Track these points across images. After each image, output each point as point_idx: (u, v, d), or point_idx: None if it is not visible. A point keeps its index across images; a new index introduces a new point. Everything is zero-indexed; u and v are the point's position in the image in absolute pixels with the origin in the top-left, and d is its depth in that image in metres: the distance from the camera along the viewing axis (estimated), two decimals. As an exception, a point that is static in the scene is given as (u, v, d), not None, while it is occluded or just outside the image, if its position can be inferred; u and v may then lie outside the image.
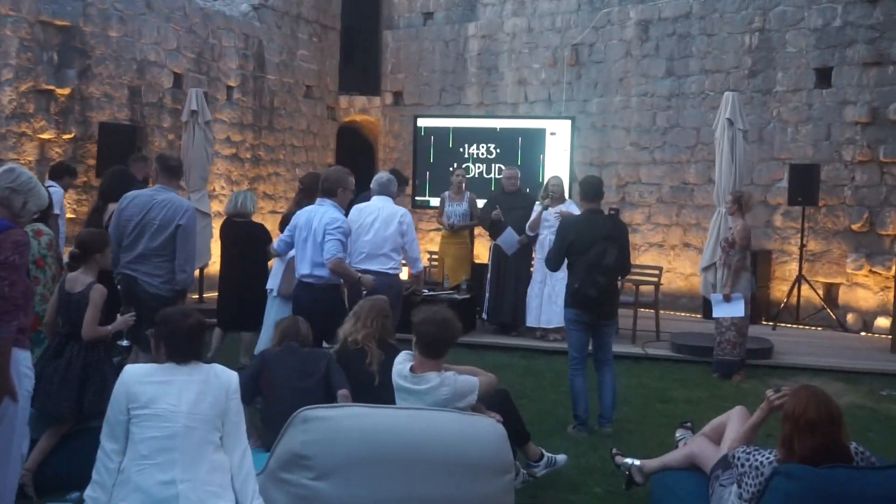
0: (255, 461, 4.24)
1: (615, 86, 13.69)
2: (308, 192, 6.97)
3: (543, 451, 5.20)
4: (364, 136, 16.80)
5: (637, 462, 4.91)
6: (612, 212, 6.76)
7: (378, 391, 4.86)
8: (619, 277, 6.93)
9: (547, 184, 9.63)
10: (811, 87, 11.77)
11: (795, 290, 11.43)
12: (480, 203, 10.52)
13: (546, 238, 9.36)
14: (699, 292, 11.34)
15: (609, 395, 6.58)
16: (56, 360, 5.01)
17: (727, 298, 8.28)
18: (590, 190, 6.69)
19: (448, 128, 11.84)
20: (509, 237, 9.68)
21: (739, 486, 3.76)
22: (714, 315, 8.51)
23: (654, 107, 13.26)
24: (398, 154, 15.59)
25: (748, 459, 3.75)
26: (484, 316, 10.12)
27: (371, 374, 5.00)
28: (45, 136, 10.20)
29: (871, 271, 11.15)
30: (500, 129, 11.66)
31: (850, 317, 11.27)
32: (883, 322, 10.94)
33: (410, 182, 12.30)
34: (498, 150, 11.40)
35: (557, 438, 6.18)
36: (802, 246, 11.38)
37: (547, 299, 9.42)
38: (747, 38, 12.34)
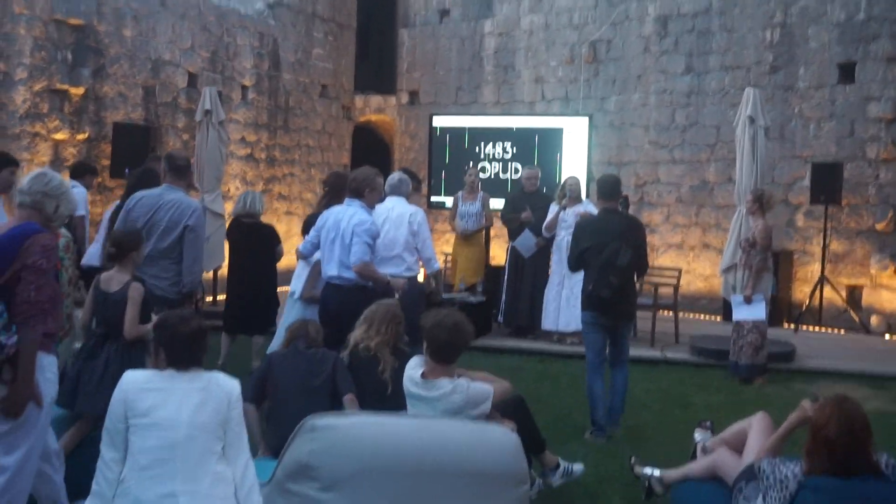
0: (263, 470, 4.15)
1: (633, 83, 13.51)
2: (334, 193, 6.83)
3: (560, 459, 5.05)
4: (380, 135, 16.69)
5: (657, 472, 4.76)
6: (621, 202, 6.62)
7: (391, 399, 4.73)
8: (637, 277, 6.78)
9: (564, 184, 9.48)
10: (834, 83, 11.54)
11: (818, 292, 11.22)
12: (494, 202, 10.40)
13: (563, 239, 9.19)
14: (719, 294, 11.14)
15: (619, 397, 6.45)
16: (92, 360, 4.96)
17: (748, 300, 8.11)
18: (606, 188, 6.55)
19: (464, 127, 11.70)
20: (526, 240, 9.54)
21: (764, 500, 3.60)
22: (735, 317, 8.34)
23: (674, 104, 13.07)
24: (414, 154, 15.48)
25: (773, 472, 3.60)
26: (500, 319, 9.97)
27: (384, 382, 4.87)
28: (58, 136, 10.15)
29: (895, 272, 10.92)
30: (517, 128, 11.50)
31: (873, 319, 11.04)
32: (908, 324, 10.73)
33: (426, 182, 12.19)
34: (514, 150, 11.24)
35: (574, 445, 6.04)
36: (825, 246, 11.16)
37: (565, 302, 9.26)
38: (768, 33, 12.13)
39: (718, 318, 11.63)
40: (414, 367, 4.39)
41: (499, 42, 15.08)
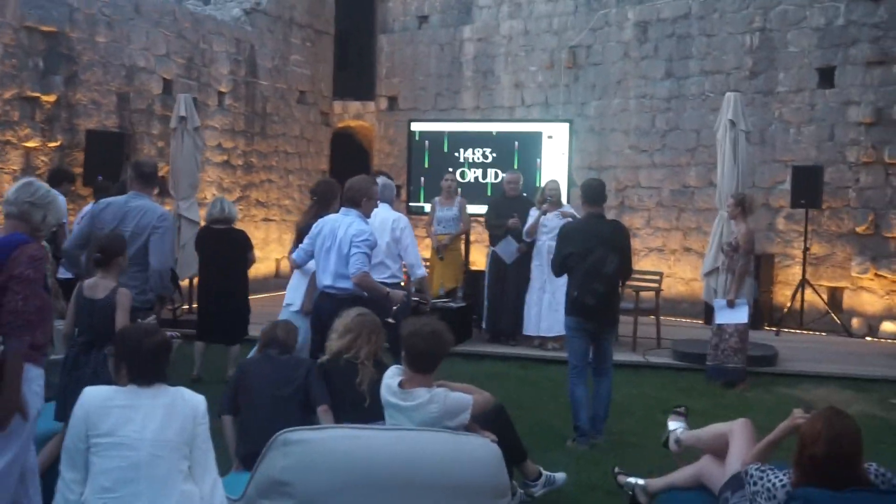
0: (236, 484, 4.02)
1: (613, 88, 13.47)
2: (323, 201, 6.70)
3: (541, 469, 4.95)
4: (359, 141, 16.57)
5: (641, 481, 4.66)
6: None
7: (369, 410, 4.60)
8: (621, 283, 6.71)
9: (544, 188, 9.40)
10: (814, 88, 11.54)
11: (799, 295, 11.19)
12: (471, 208, 10.32)
13: (544, 244, 9.12)
14: (700, 297, 11.10)
15: (602, 406, 6.36)
16: (77, 371, 4.83)
17: (731, 304, 8.05)
18: (591, 193, 6.45)
19: (443, 132, 11.59)
20: (508, 245, 9.44)
21: (751, 508, 3.51)
22: (717, 321, 8.27)
23: (654, 109, 13.03)
24: (394, 160, 15.36)
25: (761, 478, 3.50)
26: (483, 325, 9.86)
27: (362, 394, 4.74)
28: (30, 144, 9.97)
29: (876, 275, 10.91)
30: (497, 132, 11.41)
31: (855, 321, 11.02)
32: (889, 326, 10.71)
33: (405, 188, 12.11)
34: (494, 155, 11.15)
35: (556, 453, 5.93)
36: (806, 249, 11.14)
37: (547, 307, 9.18)
38: (748, 38, 12.12)
39: (700, 322, 11.58)
40: (392, 377, 4.28)
41: (478, 48, 15.00)
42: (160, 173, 11.45)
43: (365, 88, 16.12)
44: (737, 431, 4.35)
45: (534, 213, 9.31)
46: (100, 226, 5.78)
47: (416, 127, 11.74)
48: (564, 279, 6.64)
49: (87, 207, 7.69)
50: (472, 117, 14.46)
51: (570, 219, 8.74)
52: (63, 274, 7.43)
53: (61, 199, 8.31)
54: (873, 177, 10.99)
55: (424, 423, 4.02)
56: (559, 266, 6.47)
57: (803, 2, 11.62)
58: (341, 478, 3.48)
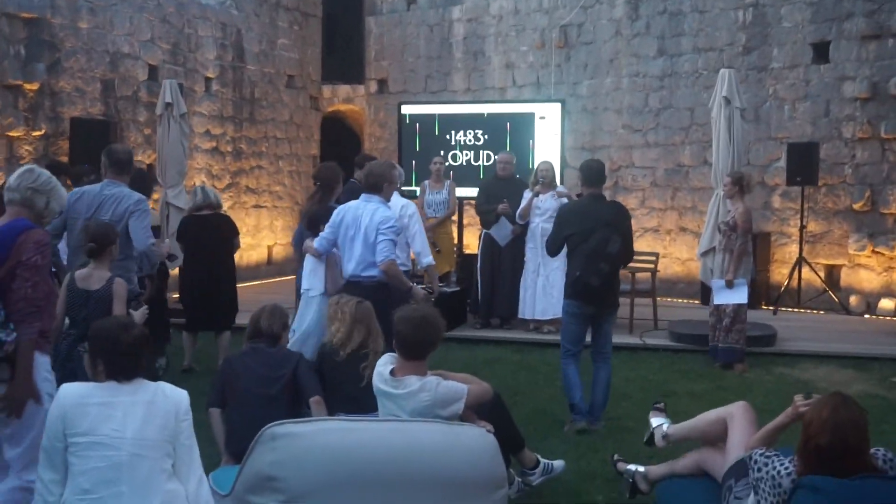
0: (225, 479, 3.90)
1: (606, 67, 13.30)
2: (327, 187, 6.56)
3: (539, 457, 4.84)
4: (349, 126, 16.39)
5: (641, 469, 4.55)
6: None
7: (369, 402, 4.46)
8: (621, 266, 6.59)
9: (536, 170, 9.25)
10: (808, 63, 11.39)
11: (796, 273, 11.09)
12: (458, 191, 10.18)
13: (538, 226, 8.99)
14: (697, 278, 10.99)
15: (601, 393, 6.24)
16: (69, 363, 4.74)
17: (729, 284, 7.93)
18: (591, 174, 6.32)
19: (434, 114, 11.43)
20: (503, 227, 9.29)
21: (756, 494, 3.39)
22: (715, 302, 8.16)
23: (647, 87, 12.87)
24: (385, 143, 15.19)
25: (766, 464, 3.38)
26: (475, 309, 9.71)
27: (360, 385, 4.61)
28: (13, 133, 9.78)
29: (873, 251, 10.81)
30: (488, 114, 11.25)
31: (852, 299, 10.92)
32: (887, 304, 10.61)
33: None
34: (486, 137, 10.99)
35: (554, 440, 5.83)
36: (802, 227, 11.03)
37: (541, 290, 9.05)
38: (741, 13, 11.95)
39: (696, 302, 11.49)
40: (384, 364, 4.17)
41: (468, 28, 14.81)
42: (148, 161, 11.40)
43: (354, 72, 15.92)
44: (737, 416, 4.22)
45: (527, 195, 9.16)
46: (74, 215, 5.65)
47: (407, 110, 11.57)
48: (559, 262, 6.55)
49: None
50: (463, 99, 14.28)
51: (565, 199, 8.61)
52: None
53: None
54: (869, 153, 10.86)
55: (415, 411, 3.91)
56: (556, 246, 6.36)
57: (797, -24, 11.46)
58: (332, 472, 3.35)
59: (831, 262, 11.27)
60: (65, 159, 10.11)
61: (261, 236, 14.22)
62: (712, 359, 8.19)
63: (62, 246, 5.91)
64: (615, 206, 6.40)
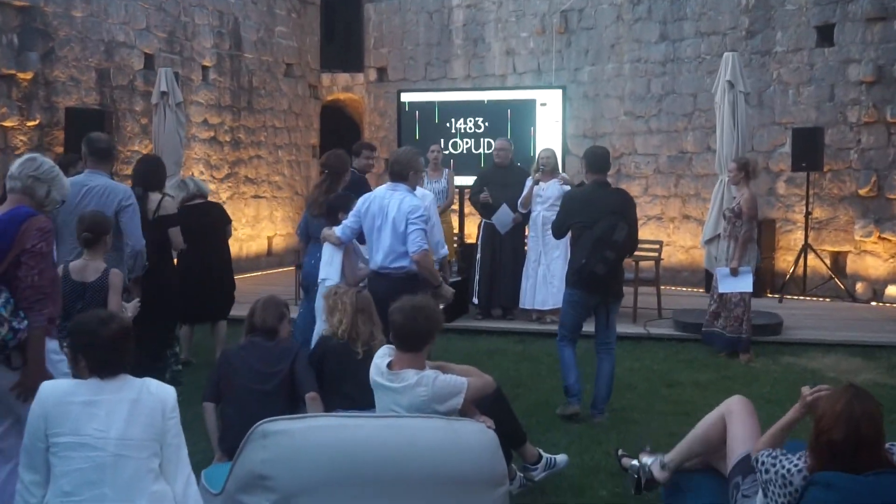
0: (218, 476, 3.79)
1: (607, 52, 13.13)
2: (335, 175, 6.41)
3: (541, 451, 4.71)
4: (349, 114, 16.24)
5: (659, 458, 4.24)
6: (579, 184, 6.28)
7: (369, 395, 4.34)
8: (627, 255, 6.46)
9: (538, 157, 9.11)
10: (812, 47, 11.21)
11: (801, 260, 10.94)
12: (459, 179, 10.05)
13: (539, 215, 8.85)
14: (701, 266, 10.88)
15: (604, 385, 6.10)
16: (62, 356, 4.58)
17: (735, 272, 7.79)
18: (595, 161, 6.18)
19: (433, 102, 11.27)
20: (504, 215, 9.12)
21: (766, 496, 3.26)
22: (720, 290, 8.01)
23: (649, 73, 12.71)
24: (384, 132, 15.04)
25: (774, 465, 3.25)
26: (474, 300, 9.55)
27: (361, 378, 4.48)
28: (7, 123, 9.64)
29: (880, 238, 10.66)
30: (488, 101, 11.09)
31: (859, 286, 10.78)
32: (894, 291, 10.47)
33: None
34: (486, 124, 10.83)
35: (556, 433, 5.70)
36: (808, 213, 10.88)
37: (542, 280, 8.91)
38: (744, -3, 11.78)
39: (701, 290, 11.35)
40: (382, 356, 4.06)
41: (467, 14, 14.64)
42: (144, 151, 11.26)
43: (353, 60, 15.76)
44: (735, 410, 4.04)
45: (528, 183, 9.02)
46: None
47: (406, 98, 11.41)
48: (559, 251, 6.42)
49: None
50: (464, 86, 14.12)
51: (568, 186, 8.47)
52: None
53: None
54: (875, 137, 10.70)
55: (413, 406, 3.79)
56: (562, 231, 6.26)
57: (801, -42, 11.28)
58: (325, 470, 3.24)
59: (837, 248, 11.13)
60: (60, 150, 9.98)
61: (260, 227, 14.09)
62: (707, 345, 8.06)
63: None
64: (620, 194, 6.27)
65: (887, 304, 10.37)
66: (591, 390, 6.17)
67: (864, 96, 10.77)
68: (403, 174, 5.74)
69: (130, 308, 5.15)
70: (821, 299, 10.80)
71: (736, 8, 11.84)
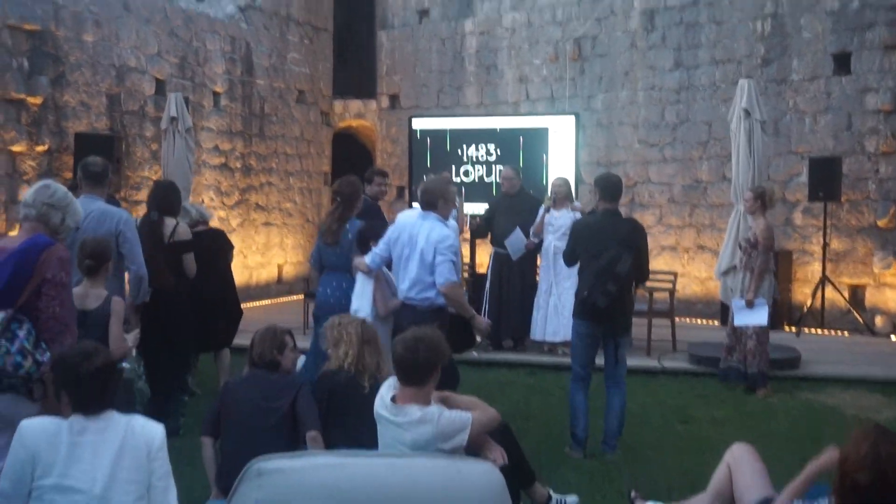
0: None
1: (621, 80, 13.03)
2: (347, 202, 6.28)
3: (551, 491, 4.53)
4: (361, 141, 16.17)
5: None
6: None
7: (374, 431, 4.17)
8: (637, 285, 6.28)
9: (551, 185, 8.96)
10: (829, 75, 11.07)
11: (819, 293, 10.73)
12: (470, 207, 9.93)
13: (550, 244, 8.69)
14: (716, 297, 10.68)
15: (615, 420, 5.91)
16: None
17: (750, 304, 7.60)
18: (608, 188, 6.01)
19: (445, 129, 11.18)
20: (517, 240, 8.93)
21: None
22: (736, 323, 7.82)
23: (663, 101, 12.59)
24: (396, 159, 14.95)
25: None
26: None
27: (367, 412, 4.31)
28: (16, 148, 9.58)
29: (899, 270, 10.45)
30: (500, 128, 11.00)
31: (878, 319, 10.55)
32: (915, 324, 10.25)
33: (407, 188, 11.74)
34: (498, 151, 10.73)
35: (567, 470, 5.51)
36: (825, 245, 10.68)
37: (553, 310, 8.74)
38: (759, 24, 11.66)
39: (716, 323, 11.13)
40: (387, 388, 3.90)
41: (480, 41, 14.58)
42: (154, 177, 11.19)
43: (366, 86, 15.71)
44: (739, 457, 3.85)
45: (541, 211, 8.87)
46: None
47: (418, 124, 11.33)
48: (570, 282, 6.28)
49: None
50: (476, 113, 14.03)
51: (579, 214, 8.33)
52: None
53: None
54: (894, 167, 10.52)
55: (416, 443, 3.64)
56: (572, 259, 6.12)
57: (817, -14, 11.16)
58: (323, 513, 3.06)
59: (855, 281, 10.91)
60: (68, 175, 9.91)
61: (271, 254, 13.98)
62: (724, 381, 7.86)
63: None
64: (630, 224, 6.09)
65: (907, 338, 10.14)
66: (602, 424, 5.97)
67: (882, 125, 10.60)
68: (433, 203, 5.64)
69: (131, 338, 5.03)
70: (839, 333, 10.57)
71: (751, 35, 11.72)
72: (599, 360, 6.12)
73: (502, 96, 14.26)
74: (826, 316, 10.76)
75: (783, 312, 10.78)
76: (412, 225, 5.62)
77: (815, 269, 10.94)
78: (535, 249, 9.03)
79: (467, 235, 10.82)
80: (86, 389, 2.94)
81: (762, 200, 7.67)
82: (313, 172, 14.99)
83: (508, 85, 14.22)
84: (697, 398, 7.54)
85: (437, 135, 11.10)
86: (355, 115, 15.77)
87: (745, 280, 7.73)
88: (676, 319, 9.58)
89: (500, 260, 9.20)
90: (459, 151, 10.88)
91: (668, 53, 12.52)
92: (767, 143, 9.88)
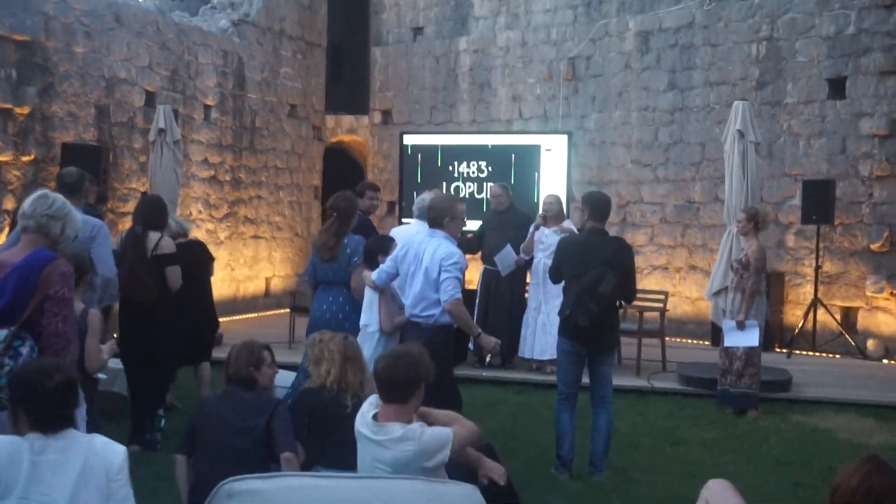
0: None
1: (614, 100, 12.98)
2: (343, 218, 6.18)
3: (536, 515, 4.40)
4: (352, 156, 16.08)
5: None
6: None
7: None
8: (623, 305, 6.18)
9: (542, 203, 8.88)
10: (824, 99, 11.03)
11: (811, 315, 10.64)
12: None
13: (540, 262, 8.59)
14: (707, 317, 10.60)
15: (602, 441, 5.80)
16: None
17: (741, 326, 7.51)
18: (596, 206, 5.92)
19: (437, 145, 11.10)
20: (507, 256, 8.82)
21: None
22: (726, 344, 7.73)
23: (656, 122, 12.54)
24: (388, 175, 14.86)
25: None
26: (470, 346, 9.22)
27: (348, 432, 4.19)
28: (1, 157, 9.47)
29: (892, 294, 10.37)
30: (492, 146, 10.92)
31: (870, 343, 10.47)
32: (907, 348, 10.16)
33: (397, 204, 11.66)
34: (490, 168, 10.63)
35: (553, 493, 5.39)
36: (818, 267, 10.61)
37: (541, 328, 8.63)
38: (754, 47, 11.63)
39: (707, 343, 11.03)
40: (368, 407, 3.80)
41: (474, 59, 14.53)
42: (142, 189, 11.08)
43: (358, 102, 15.63)
44: (718, 493, 3.72)
45: (531, 229, 8.78)
46: None
47: (409, 140, 11.25)
48: (559, 300, 6.16)
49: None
50: (469, 131, 13.96)
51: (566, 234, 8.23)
52: None
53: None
54: (888, 191, 10.47)
55: (397, 461, 3.54)
56: (557, 277, 6.06)
57: (812, 9, 11.13)
58: (295, 536, 2.95)
59: (847, 304, 10.84)
60: (53, 186, 9.79)
61: (259, 268, 13.85)
62: (719, 403, 7.76)
63: None
64: (615, 243, 5.97)
65: (900, 363, 10.05)
66: (587, 445, 5.86)
67: (876, 150, 10.56)
68: (438, 220, 5.58)
69: (106, 350, 4.91)
70: (830, 356, 10.47)
71: (746, 58, 11.69)
72: (588, 380, 6.02)
73: (495, 114, 14.20)
74: (817, 339, 10.68)
75: (775, 334, 10.69)
76: (419, 242, 5.59)
77: (808, 291, 10.87)
78: (524, 267, 8.94)
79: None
80: (46, 407, 2.81)
81: (755, 222, 7.60)
82: (304, 186, 14.89)
83: (502, 103, 14.17)
84: (687, 419, 7.43)
85: (429, 151, 11.02)
86: (347, 130, 15.70)
87: (737, 301, 7.64)
88: (667, 339, 9.47)
89: (489, 277, 9.10)
90: (450, 168, 10.79)
91: (662, 75, 12.48)
92: (761, 164, 9.84)
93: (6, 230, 8.92)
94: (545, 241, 8.59)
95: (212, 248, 12.27)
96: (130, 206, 9.83)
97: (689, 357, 9.70)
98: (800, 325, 10.69)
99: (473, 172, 10.69)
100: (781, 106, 11.40)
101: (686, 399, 8.15)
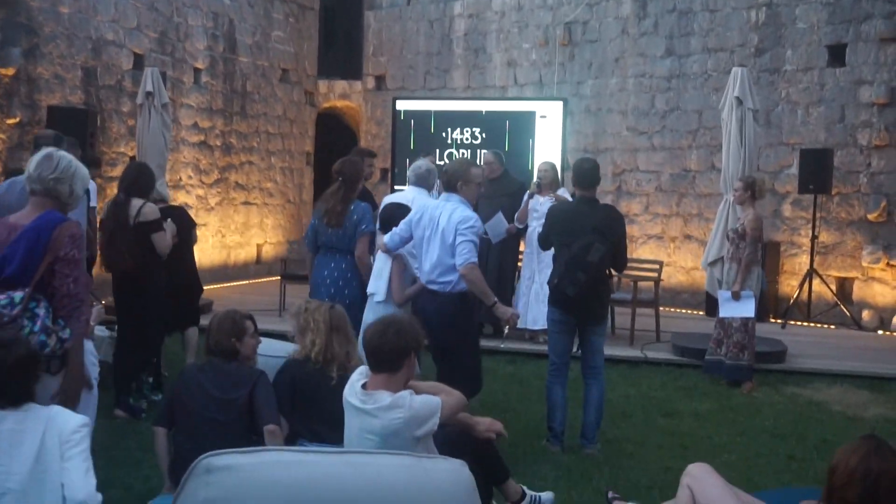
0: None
1: (611, 66, 12.79)
2: (349, 183, 6.03)
3: (525, 489, 4.32)
4: (345, 122, 15.89)
5: None
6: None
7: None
8: (613, 273, 6.07)
9: (537, 170, 8.73)
10: (823, 66, 10.86)
11: (806, 285, 10.57)
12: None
13: (534, 230, 8.45)
14: (701, 287, 10.51)
15: (593, 413, 5.70)
16: None
17: (736, 296, 7.41)
18: (583, 175, 5.79)
19: (430, 111, 10.92)
20: (498, 224, 8.68)
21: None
22: (721, 315, 7.64)
23: (653, 89, 12.36)
24: (381, 141, 14.67)
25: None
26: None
27: (336, 404, 4.07)
28: (-15, 120, 9.29)
29: (888, 265, 10.27)
30: (486, 112, 10.74)
31: (865, 314, 10.40)
32: (902, 320, 10.09)
33: (390, 171, 11.51)
34: (484, 135, 10.48)
35: (543, 465, 5.30)
36: (814, 237, 10.50)
37: (534, 298, 8.51)
38: (753, 13, 11.43)
39: (701, 313, 10.96)
40: (357, 377, 3.71)
41: (469, 24, 14.30)
42: (130, 153, 10.90)
43: (351, 67, 15.42)
44: (699, 476, 3.63)
45: (525, 197, 8.64)
46: (6, 207, 5.18)
47: (402, 106, 11.07)
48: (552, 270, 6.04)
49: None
50: (463, 97, 13.77)
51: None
52: None
53: (92, 183, 7.75)
54: (886, 161, 10.34)
55: (387, 430, 3.46)
56: (546, 245, 6.01)
57: (813, -25, 10.94)
58: (276, 513, 2.84)
59: (843, 274, 10.75)
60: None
61: (250, 234, 13.71)
62: (707, 373, 7.68)
63: None
64: (606, 211, 5.84)
65: (894, 334, 9.97)
66: (579, 416, 5.77)
67: (875, 118, 10.41)
68: (452, 185, 5.49)
69: (93, 315, 4.78)
70: (825, 326, 10.41)
71: (745, 25, 11.50)
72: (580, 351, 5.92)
73: (490, 80, 14.00)
74: (813, 309, 10.61)
75: (769, 304, 10.62)
76: (434, 206, 5.51)
77: (803, 261, 10.78)
78: (517, 235, 8.81)
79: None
80: (5, 381, 2.71)
81: (752, 191, 7.47)
82: (296, 152, 14.72)
83: (496, 69, 13.96)
84: (681, 390, 7.35)
85: (422, 116, 10.85)
86: (340, 95, 15.49)
87: (732, 271, 7.54)
88: (661, 309, 9.39)
89: (480, 244, 8.94)
90: (444, 134, 10.62)
91: (659, 41, 12.28)
92: (759, 133, 9.68)
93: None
94: (539, 209, 8.43)
95: (202, 215, 12.25)
96: (119, 171, 9.66)
97: (682, 327, 9.64)
98: (795, 296, 10.61)
99: (467, 139, 10.53)
100: (780, 73, 11.23)
101: (680, 370, 8.07)
